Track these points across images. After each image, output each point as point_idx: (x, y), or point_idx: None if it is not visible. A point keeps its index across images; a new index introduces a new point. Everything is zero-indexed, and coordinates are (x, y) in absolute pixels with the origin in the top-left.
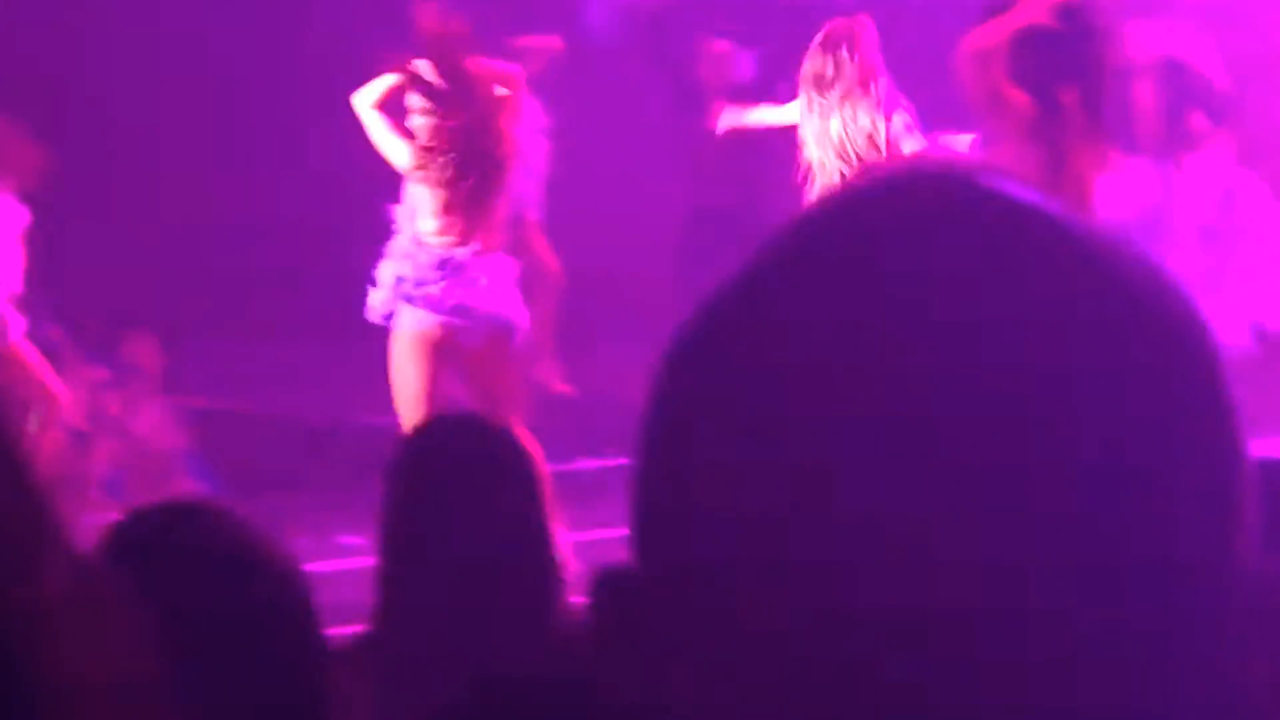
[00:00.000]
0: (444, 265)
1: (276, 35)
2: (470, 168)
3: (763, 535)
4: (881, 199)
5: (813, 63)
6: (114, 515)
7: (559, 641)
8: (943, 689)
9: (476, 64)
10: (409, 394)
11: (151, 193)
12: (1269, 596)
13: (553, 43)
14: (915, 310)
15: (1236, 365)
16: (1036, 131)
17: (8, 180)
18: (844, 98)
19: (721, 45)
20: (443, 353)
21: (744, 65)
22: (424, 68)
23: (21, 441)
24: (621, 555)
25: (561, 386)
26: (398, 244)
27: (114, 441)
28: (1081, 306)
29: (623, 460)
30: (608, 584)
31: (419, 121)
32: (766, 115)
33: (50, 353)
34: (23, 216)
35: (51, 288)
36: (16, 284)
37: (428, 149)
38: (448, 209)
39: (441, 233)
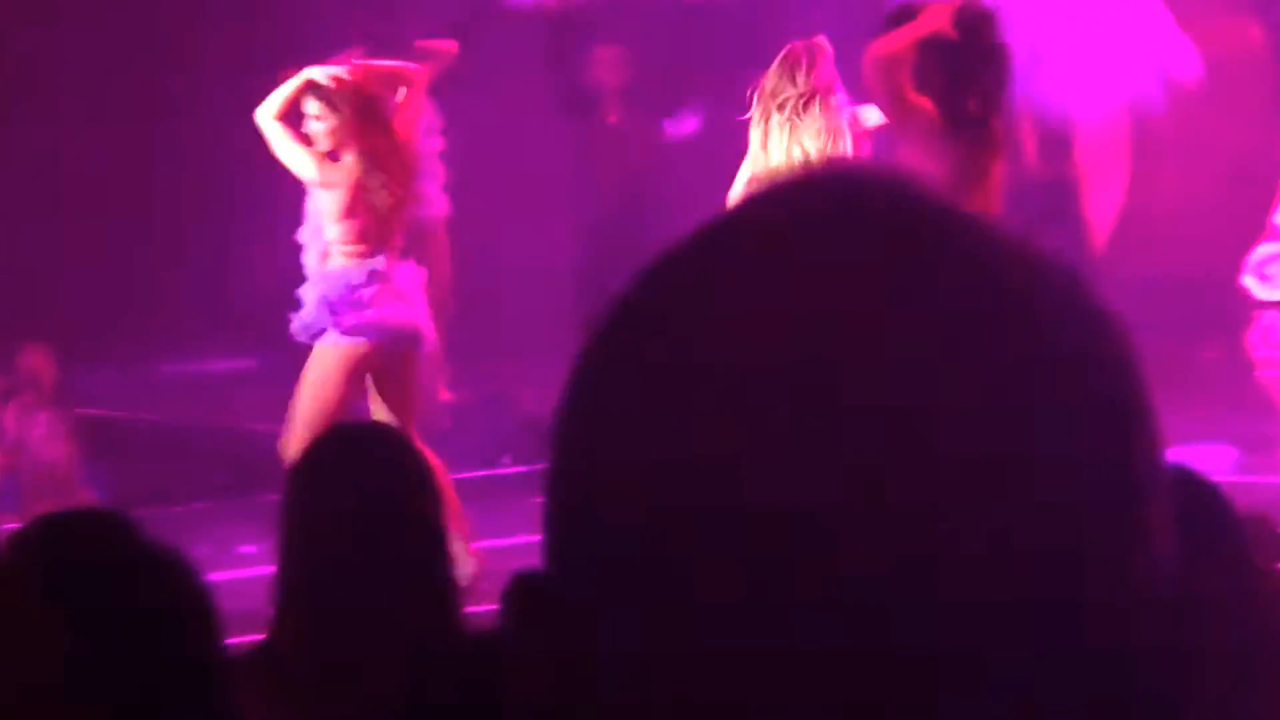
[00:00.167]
0: (371, 279)
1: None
2: (374, 172)
3: (673, 533)
4: (790, 198)
5: (770, 80)
6: (10, 525)
7: (464, 649)
8: (857, 670)
9: (377, 65)
10: (323, 408)
11: (53, 204)
12: (1186, 606)
13: (449, 46)
14: (820, 306)
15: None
16: (942, 135)
17: None
18: (800, 114)
19: (612, 50)
20: (366, 367)
21: (687, 122)
22: (318, 73)
23: None
24: (535, 561)
25: (446, 394)
26: (313, 264)
27: (8, 454)
28: (987, 301)
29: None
30: (519, 588)
31: (316, 127)
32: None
33: None
34: None
35: None
36: None
37: (330, 154)
38: (353, 213)
39: (352, 240)
